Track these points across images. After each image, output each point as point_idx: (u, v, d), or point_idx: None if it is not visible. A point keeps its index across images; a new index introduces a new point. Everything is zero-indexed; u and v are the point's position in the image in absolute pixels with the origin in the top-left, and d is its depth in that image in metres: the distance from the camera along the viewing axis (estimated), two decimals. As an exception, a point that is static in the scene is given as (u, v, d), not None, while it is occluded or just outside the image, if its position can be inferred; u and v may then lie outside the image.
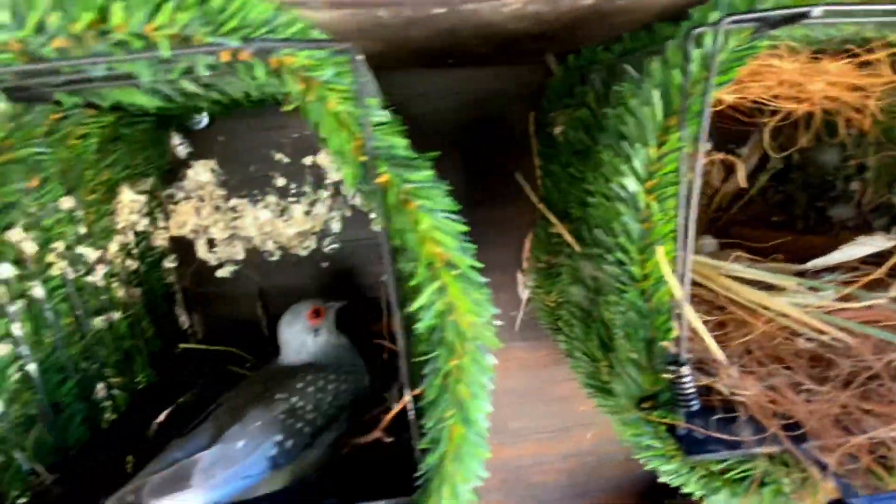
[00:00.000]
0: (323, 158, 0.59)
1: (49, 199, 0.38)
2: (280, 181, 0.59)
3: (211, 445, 0.35)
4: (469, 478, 0.30)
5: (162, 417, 0.49)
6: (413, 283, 0.29)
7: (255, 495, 0.36)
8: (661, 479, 0.39)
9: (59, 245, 0.40)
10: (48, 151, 0.34)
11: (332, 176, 0.60)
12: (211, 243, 0.60)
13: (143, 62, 0.25)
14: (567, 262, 0.50)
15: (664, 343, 0.33)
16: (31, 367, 0.36)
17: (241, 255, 0.61)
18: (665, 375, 0.32)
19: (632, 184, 0.32)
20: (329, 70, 0.25)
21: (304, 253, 0.62)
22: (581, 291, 0.47)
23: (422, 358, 0.31)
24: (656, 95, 0.31)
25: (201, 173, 0.58)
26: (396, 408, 0.32)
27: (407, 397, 0.31)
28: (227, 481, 0.34)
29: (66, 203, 0.40)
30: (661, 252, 0.32)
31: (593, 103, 0.45)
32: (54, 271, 0.40)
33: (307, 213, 0.60)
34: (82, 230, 0.43)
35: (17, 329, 0.35)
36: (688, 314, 0.32)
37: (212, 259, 0.60)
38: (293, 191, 0.60)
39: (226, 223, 0.59)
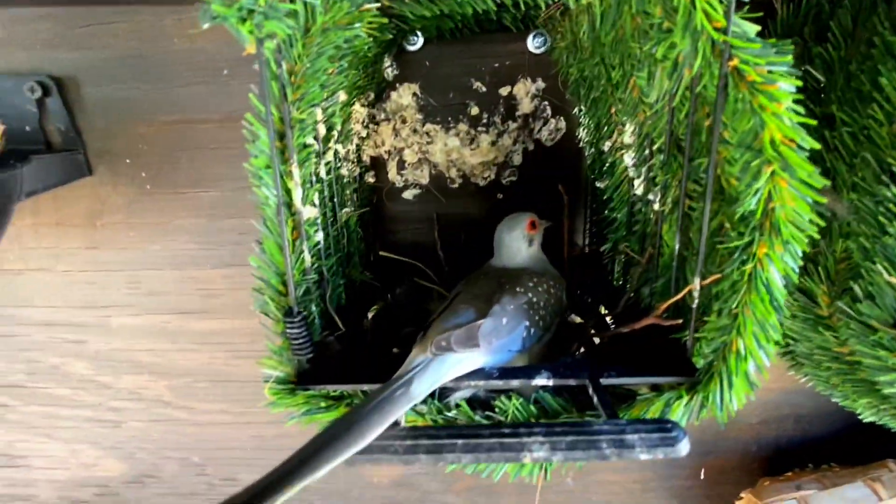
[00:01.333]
0: (519, 89, 0.61)
1: (334, 89, 0.42)
2: (474, 110, 0.62)
3: (476, 320, 0.39)
4: (764, 362, 0.31)
5: (372, 313, 0.53)
6: (735, 168, 0.31)
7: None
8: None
9: (335, 133, 0.44)
10: (362, 36, 0.38)
11: (524, 108, 0.62)
12: (401, 165, 0.64)
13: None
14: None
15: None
16: (320, 235, 0.40)
17: (425, 180, 0.64)
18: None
19: (938, 99, 0.33)
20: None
21: (482, 183, 0.65)
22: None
23: (725, 246, 0.32)
24: None
25: (404, 96, 0.61)
26: (681, 293, 0.34)
27: (696, 283, 0.33)
28: (498, 350, 0.37)
29: (342, 96, 0.44)
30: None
31: (839, 39, 0.45)
32: (328, 157, 0.44)
33: (493, 143, 0.63)
34: (339, 126, 0.46)
35: (315, 197, 0.39)
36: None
37: (398, 180, 0.64)
38: (483, 121, 0.62)
39: (419, 147, 0.63)
